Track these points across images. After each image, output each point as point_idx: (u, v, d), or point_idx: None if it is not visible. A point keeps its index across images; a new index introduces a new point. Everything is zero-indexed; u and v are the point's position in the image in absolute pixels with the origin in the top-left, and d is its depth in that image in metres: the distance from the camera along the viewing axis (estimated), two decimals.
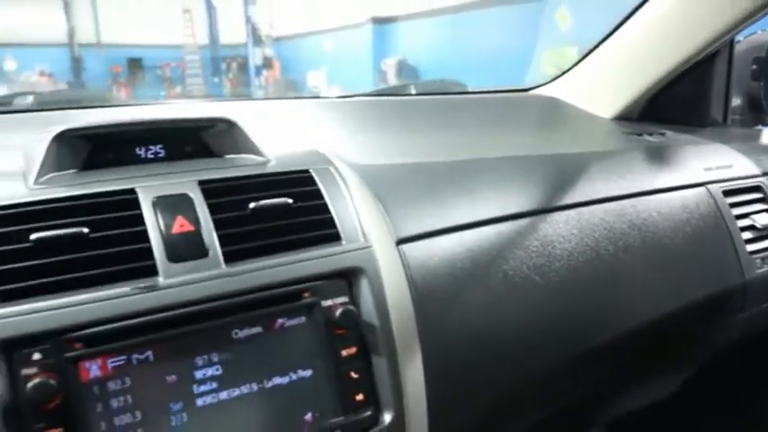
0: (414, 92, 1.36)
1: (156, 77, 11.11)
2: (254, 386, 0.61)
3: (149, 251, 0.60)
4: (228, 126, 0.74)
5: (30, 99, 1.07)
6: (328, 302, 0.66)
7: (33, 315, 0.54)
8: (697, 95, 1.35)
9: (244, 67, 11.51)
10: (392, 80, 8.80)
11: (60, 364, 0.54)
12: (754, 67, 1.42)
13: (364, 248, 0.70)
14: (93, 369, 0.55)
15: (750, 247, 1.08)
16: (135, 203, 0.63)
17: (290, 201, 0.69)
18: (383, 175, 0.81)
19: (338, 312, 0.64)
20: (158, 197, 0.64)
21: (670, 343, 1.06)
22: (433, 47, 8.45)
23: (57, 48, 10.25)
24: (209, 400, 0.59)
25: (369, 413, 0.66)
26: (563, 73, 1.39)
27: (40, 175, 0.63)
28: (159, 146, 0.72)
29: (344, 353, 0.66)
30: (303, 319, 0.65)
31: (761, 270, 1.08)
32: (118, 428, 0.55)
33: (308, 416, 0.63)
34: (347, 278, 0.68)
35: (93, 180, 0.64)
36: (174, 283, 0.59)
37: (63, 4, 10.31)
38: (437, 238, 0.77)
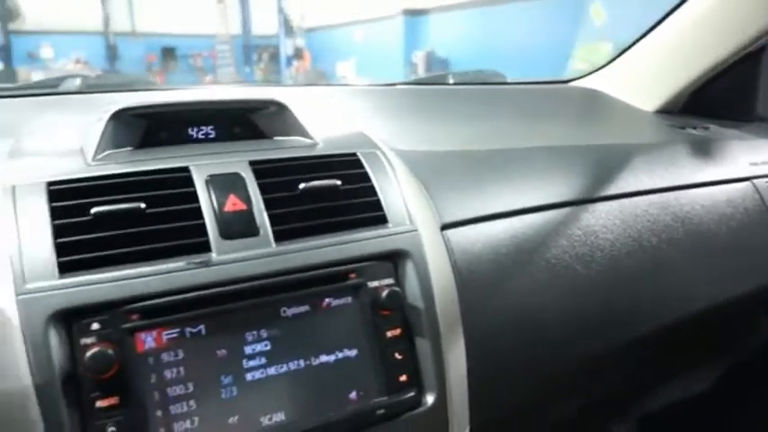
0: (453, 81, 1.36)
1: (189, 66, 11.20)
2: (302, 363, 0.62)
3: (203, 228, 0.62)
4: (279, 108, 0.75)
5: (78, 81, 1.09)
6: (374, 284, 0.66)
7: (92, 286, 0.55)
8: (743, 90, 1.32)
9: (275, 57, 11.55)
10: (421, 72, 8.77)
11: (117, 334, 0.55)
12: None
13: (410, 232, 0.70)
14: (148, 341, 0.57)
15: None
16: (189, 181, 0.64)
17: (339, 182, 0.69)
18: (427, 161, 0.82)
19: (384, 294, 0.65)
20: (211, 175, 0.65)
21: (710, 336, 1.05)
22: (464, 39, 8.40)
23: (92, 36, 10.39)
24: (257, 375, 0.60)
25: (412, 394, 0.67)
26: (604, 65, 1.37)
27: (98, 151, 0.65)
28: (210, 126, 0.73)
29: (389, 334, 0.66)
30: (349, 299, 0.66)
31: None
32: (171, 399, 0.56)
33: (353, 394, 0.64)
34: (393, 261, 0.69)
35: (148, 158, 0.66)
36: (227, 259, 0.61)
37: None
38: (480, 225, 0.78)
